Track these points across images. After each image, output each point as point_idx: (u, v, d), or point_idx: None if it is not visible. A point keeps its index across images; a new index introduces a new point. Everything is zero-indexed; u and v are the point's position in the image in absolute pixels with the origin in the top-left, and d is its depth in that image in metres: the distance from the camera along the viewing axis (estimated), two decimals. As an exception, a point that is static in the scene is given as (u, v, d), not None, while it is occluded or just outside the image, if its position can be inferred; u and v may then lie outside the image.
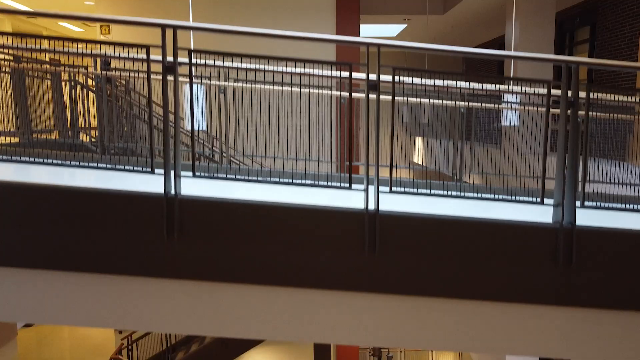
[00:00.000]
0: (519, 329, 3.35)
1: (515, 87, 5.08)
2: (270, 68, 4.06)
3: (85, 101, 5.16)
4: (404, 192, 3.30)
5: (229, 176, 3.45)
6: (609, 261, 3.26)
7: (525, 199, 3.43)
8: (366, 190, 3.18)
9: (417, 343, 3.45)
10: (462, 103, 5.11)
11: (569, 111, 3.23)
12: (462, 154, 4.76)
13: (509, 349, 3.48)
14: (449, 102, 5.05)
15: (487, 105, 5.44)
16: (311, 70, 4.47)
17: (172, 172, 3.20)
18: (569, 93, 3.28)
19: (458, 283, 3.27)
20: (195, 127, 3.31)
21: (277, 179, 3.46)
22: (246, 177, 3.60)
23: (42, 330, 14.54)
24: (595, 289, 3.27)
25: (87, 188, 3.24)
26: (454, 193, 3.78)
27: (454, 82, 4.07)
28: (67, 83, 4.89)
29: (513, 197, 3.41)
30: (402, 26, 14.29)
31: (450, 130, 5.20)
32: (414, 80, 4.18)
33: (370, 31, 15.08)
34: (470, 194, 3.70)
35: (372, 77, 3.26)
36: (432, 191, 3.45)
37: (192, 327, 3.39)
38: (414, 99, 5.10)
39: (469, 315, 3.34)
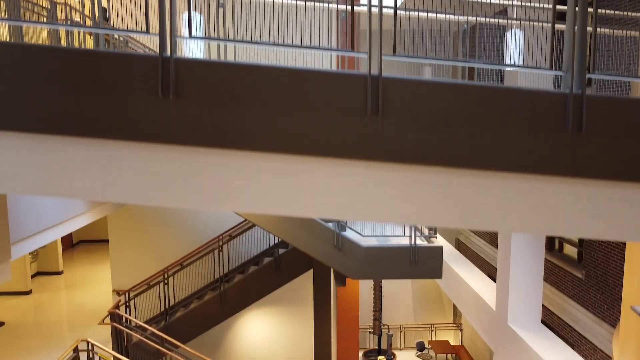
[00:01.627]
0: (526, 202, 3.22)
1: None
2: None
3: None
4: (409, 56, 3.18)
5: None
6: (620, 130, 3.14)
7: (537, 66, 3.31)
8: (369, 51, 3.07)
9: (419, 218, 3.34)
10: (465, 17, 4.99)
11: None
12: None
13: (515, 226, 3.36)
14: (451, 16, 4.92)
15: (491, 20, 5.29)
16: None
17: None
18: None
19: (464, 151, 3.14)
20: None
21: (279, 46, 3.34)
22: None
23: (39, 298, 14.44)
24: (605, 158, 3.15)
25: (76, 48, 3.13)
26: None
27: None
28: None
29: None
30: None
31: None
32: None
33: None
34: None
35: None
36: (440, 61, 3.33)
37: (182, 199, 3.26)
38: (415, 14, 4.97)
39: (475, 187, 3.21)
